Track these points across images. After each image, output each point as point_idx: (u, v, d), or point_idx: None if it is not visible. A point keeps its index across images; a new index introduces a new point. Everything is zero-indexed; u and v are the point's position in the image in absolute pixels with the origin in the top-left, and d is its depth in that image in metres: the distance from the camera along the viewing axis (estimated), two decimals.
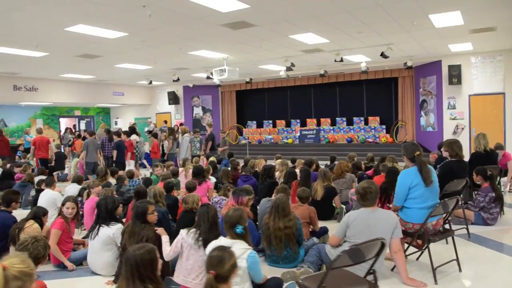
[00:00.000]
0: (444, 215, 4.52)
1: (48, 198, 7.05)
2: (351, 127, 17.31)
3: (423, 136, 15.04)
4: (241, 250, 3.45)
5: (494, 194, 6.03)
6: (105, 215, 4.87)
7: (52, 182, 7.43)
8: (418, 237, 4.21)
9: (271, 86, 18.69)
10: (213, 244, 3.63)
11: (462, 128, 13.35)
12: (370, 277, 3.27)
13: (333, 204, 6.92)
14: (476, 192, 6.40)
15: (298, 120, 18.79)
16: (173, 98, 19.39)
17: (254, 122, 20.00)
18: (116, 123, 21.85)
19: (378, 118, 16.96)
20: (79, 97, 17.67)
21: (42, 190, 7.51)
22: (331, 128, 17.66)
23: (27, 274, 2.02)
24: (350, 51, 12.41)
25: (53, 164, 12.16)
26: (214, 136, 11.62)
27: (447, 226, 4.60)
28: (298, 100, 19.10)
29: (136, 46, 10.88)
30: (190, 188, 6.86)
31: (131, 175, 8.79)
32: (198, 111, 19.77)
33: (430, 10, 8.33)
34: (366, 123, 17.26)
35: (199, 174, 7.85)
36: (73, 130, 17.76)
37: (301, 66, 15.22)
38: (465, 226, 5.64)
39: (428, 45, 11.91)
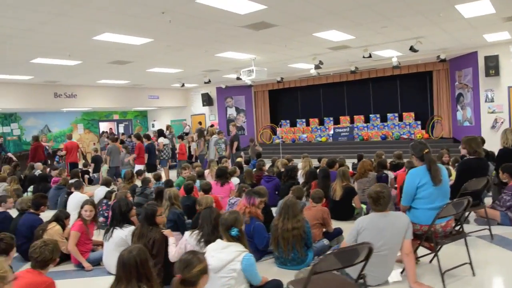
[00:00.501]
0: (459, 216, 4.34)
1: (77, 200, 7.37)
2: (385, 123, 16.89)
3: (460, 131, 14.43)
4: (236, 252, 3.48)
5: None
6: (119, 217, 5.03)
7: (81, 185, 7.76)
8: (426, 239, 4.06)
9: (303, 85, 18.56)
10: (211, 246, 3.68)
11: (502, 122, 12.70)
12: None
13: (353, 204, 6.79)
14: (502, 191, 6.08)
15: (332, 118, 18.55)
16: (206, 100, 19.67)
17: (288, 121, 19.93)
18: (153, 126, 22.42)
19: (413, 114, 16.46)
20: (116, 102, 18.29)
21: (72, 192, 7.88)
22: (365, 125, 17.32)
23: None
24: (378, 46, 12.11)
25: (88, 168, 12.65)
26: (239, 137, 11.64)
27: (459, 227, 4.40)
28: (331, 98, 18.86)
29: (163, 50, 11.11)
30: (205, 190, 6.95)
31: (158, 178, 9.00)
32: (231, 112, 19.95)
33: (457, 0, 8.00)
34: (401, 119, 16.79)
35: (222, 176, 7.94)
36: (108, 134, 18.28)
37: (331, 64, 15.04)
38: (487, 227, 5.38)
39: (461, 36, 11.43)
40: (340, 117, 18.29)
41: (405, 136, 15.92)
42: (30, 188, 9.89)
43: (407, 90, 16.91)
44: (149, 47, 10.55)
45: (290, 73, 16.83)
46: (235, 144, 11.39)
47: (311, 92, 19.26)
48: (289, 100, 20.23)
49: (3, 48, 9.71)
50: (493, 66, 12.48)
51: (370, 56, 12.20)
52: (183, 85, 17.11)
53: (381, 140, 16.35)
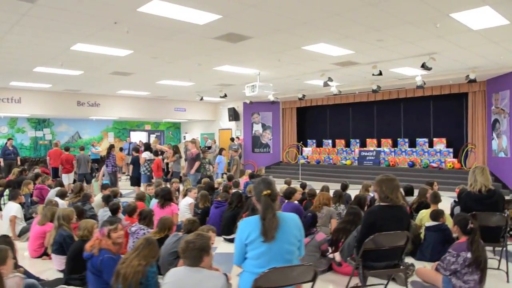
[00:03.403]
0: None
1: (8, 211, 7.17)
2: (414, 149, 15.11)
3: (494, 163, 12.44)
4: None
5: (469, 256, 4.34)
6: None
7: (17, 195, 7.44)
8: None
9: (331, 103, 17.31)
10: None
11: None
12: None
13: None
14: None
15: (358, 140, 17.06)
16: (233, 115, 19.11)
17: (314, 140, 18.73)
18: (184, 138, 22.32)
19: (444, 140, 14.54)
20: (141, 112, 18.36)
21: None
22: (392, 150, 15.65)
23: None
24: (391, 63, 10.80)
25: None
26: (200, 155, 10.63)
27: None
28: (360, 119, 17.36)
29: (153, 62, 10.76)
30: (128, 212, 6.27)
31: (115, 194, 8.51)
32: (257, 128, 19.18)
33: (448, 8, 6.72)
34: (431, 145, 14.92)
35: (162, 196, 7.22)
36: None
37: (350, 81, 13.86)
38: None
39: (485, 53, 9.81)
40: (367, 139, 16.73)
41: (434, 165, 14.11)
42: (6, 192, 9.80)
43: (440, 113, 15.00)
44: (135, 59, 10.26)
45: (312, 91, 15.76)
46: (196, 164, 10.38)
47: (340, 111, 17.92)
48: (317, 119, 19.01)
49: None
50: None
51: (380, 74, 10.89)
52: (201, 98, 16.71)
53: (408, 167, 14.66)
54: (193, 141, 10.83)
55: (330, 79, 12.00)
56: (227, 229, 6.88)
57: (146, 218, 5.58)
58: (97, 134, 19.99)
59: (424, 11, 6.83)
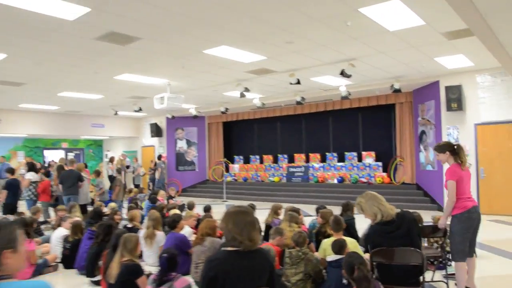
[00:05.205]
0: None
1: None
2: (343, 164, 14.33)
3: (423, 177, 11.83)
4: None
5: None
6: None
7: None
8: None
9: (258, 117, 16.28)
10: None
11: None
12: None
13: None
14: None
15: (286, 156, 16.10)
16: (155, 131, 17.61)
17: (241, 157, 17.58)
18: (106, 156, 20.50)
19: (373, 154, 13.87)
20: (53, 129, 16.45)
21: None
22: (321, 165, 14.79)
23: None
24: (310, 71, 9.92)
25: None
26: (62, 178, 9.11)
27: None
28: (288, 133, 16.40)
29: (40, 70, 9.26)
30: None
31: None
32: (182, 145, 17.77)
33: (355, 2, 5.83)
34: (360, 159, 14.22)
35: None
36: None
37: (273, 92, 12.91)
38: None
39: (407, 60, 9.14)
40: (295, 154, 15.78)
41: (364, 180, 13.36)
42: None
43: (369, 125, 14.31)
44: (15, 64, 8.78)
45: (236, 104, 14.65)
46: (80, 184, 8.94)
47: (268, 125, 16.88)
48: (245, 134, 17.87)
49: None
50: (455, 99, 10.02)
51: (298, 82, 9.96)
52: (116, 113, 15.16)
53: (337, 183, 13.83)
54: (71, 161, 9.39)
55: (246, 89, 10.97)
56: (90, 268, 5.47)
57: None
58: (4, 153, 17.68)
59: (329, 5, 5.91)
